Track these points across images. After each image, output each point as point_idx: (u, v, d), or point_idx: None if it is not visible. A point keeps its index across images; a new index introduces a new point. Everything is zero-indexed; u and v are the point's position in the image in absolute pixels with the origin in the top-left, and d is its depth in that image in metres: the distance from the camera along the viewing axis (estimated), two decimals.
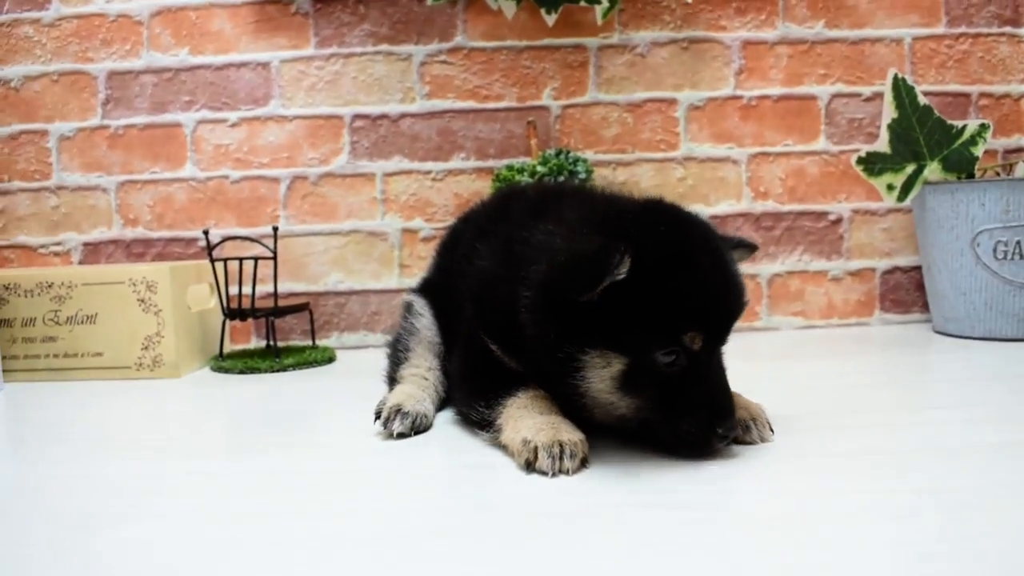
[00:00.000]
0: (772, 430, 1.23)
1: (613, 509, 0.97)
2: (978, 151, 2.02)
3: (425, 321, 1.60)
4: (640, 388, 1.12)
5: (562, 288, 1.10)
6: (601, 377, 1.13)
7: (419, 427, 1.36)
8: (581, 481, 1.07)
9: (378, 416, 1.37)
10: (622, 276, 1.06)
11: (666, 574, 0.78)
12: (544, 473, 1.10)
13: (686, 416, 1.11)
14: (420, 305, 1.63)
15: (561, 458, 1.10)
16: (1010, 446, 1.16)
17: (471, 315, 1.36)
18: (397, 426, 1.33)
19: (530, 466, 1.12)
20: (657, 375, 1.10)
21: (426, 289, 1.68)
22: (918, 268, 2.29)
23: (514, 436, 1.17)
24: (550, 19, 2.17)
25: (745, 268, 2.23)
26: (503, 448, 1.20)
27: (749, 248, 1.35)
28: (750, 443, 1.21)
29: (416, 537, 0.91)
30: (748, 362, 1.94)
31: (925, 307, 2.26)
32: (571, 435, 1.14)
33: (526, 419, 1.19)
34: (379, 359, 1.69)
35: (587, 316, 1.10)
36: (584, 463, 1.13)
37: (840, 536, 0.86)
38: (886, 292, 2.34)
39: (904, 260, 2.33)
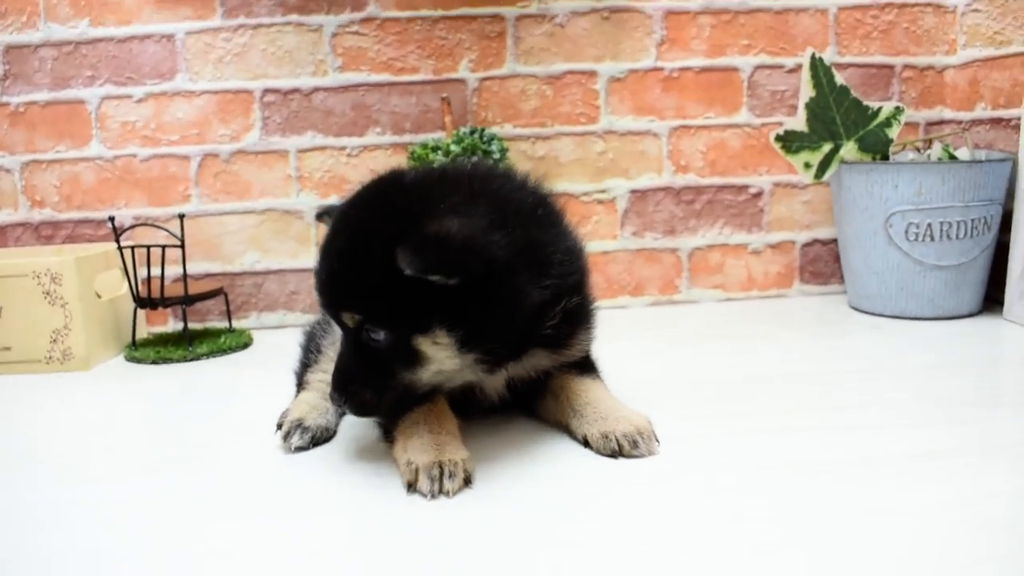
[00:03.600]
0: (658, 441, 1.25)
1: (485, 541, 0.98)
2: (893, 133, 2.01)
3: None
4: None
5: None
6: None
7: (319, 439, 1.36)
8: (461, 505, 1.08)
9: (279, 427, 1.38)
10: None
11: None
12: (424, 495, 1.11)
13: None
14: None
15: (441, 479, 1.12)
16: (914, 458, 1.17)
17: None
18: (296, 440, 1.33)
19: (411, 487, 1.13)
20: None
21: None
22: (836, 241, 2.29)
23: (401, 454, 1.19)
24: None
25: (665, 242, 2.28)
26: (395, 462, 1.21)
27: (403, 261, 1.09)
28: (638, 457, 1.22)
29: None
30: (665, 344, 1.96)
31: (843, 279, 2.27)
32: (454, 455, 1.15)
33: (414, 437, 1.20)
34: (297, 343, 1.67)
35: None
36: (467, 482, 1.14)
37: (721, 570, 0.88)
38: (805, 264, 2.35)
39: (824, 232, 2.33)
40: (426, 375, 1.19)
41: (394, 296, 1.12)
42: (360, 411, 1.23)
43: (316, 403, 1.42)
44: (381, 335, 1.15)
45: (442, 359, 1.17)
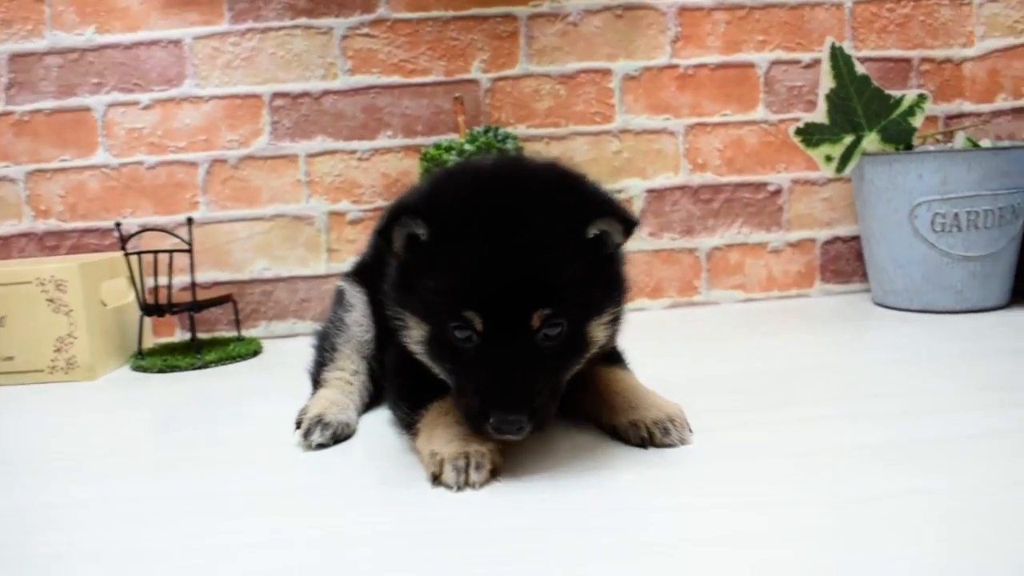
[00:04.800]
0: (691, 430, 1.19)
1: (515, 532, 0.92)
2: (916, 122, 1.97)
3: (355, 315, 1.51)
4: (444, 356, 1.11)
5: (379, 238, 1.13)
6: (414, 339, 1.14)
7: (340, 437, 1.31)
8: (488, 497, 1.02)
9: (299, 425, 1.32)
10: (424, 238, 1.08)
11: None
12: (449, 487, 1.05)
13: (467, 395, 1.07)
14: (352, 294, 1.54)
15: (467, 470, 1.06)
16: (944, 442, 1.12)
17: None
18: (317, 437, 1.27)
19: (436, 479, 1.07)
20: (454, 347, 1.08)
21: (361, 273, 1.57)
22: (858, 238, 2.24)
23: (425, 445, 1.13)
24: None
25: (683, 243, 2.23)
26: (418, 454, 1.16)
27: (619, 220, 1.10)
28: (670, 446, 1.16)
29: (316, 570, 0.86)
30: (685, 341, 1.91)
31: (865, 277, 2.22)
32: (480, 445, 1.09)
33: (440, 428, 1.14)
34: (308, 349, 1.61)
35: (406, 280, 1.13)
36: (495, 473, 1.08)
37: (763, 557, 0.82)
38: (826, 263, 2.30)
39: (844, 230, 2.29)
40: (582, 363, 1.14)
41: (582, 280, 1.08)
42: (544, 425, 1.07)
43: (336, 399, 1.37)
44: (560, 328, 1.06)
45: (600, 340, 1.14)
